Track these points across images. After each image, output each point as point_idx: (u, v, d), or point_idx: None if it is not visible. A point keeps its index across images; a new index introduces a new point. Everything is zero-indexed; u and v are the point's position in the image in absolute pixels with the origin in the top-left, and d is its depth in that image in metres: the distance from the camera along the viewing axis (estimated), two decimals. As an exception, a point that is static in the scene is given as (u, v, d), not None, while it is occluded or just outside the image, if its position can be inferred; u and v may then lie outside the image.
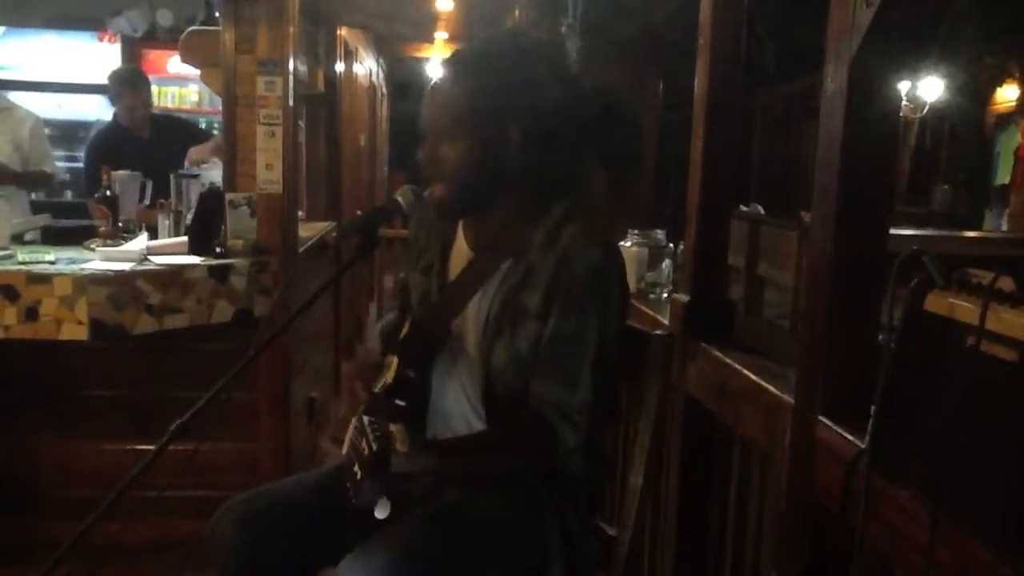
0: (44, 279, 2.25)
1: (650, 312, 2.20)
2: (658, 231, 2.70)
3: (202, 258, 2.57)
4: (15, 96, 4.39)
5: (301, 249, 2.98)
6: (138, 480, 1.22)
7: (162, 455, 1.22)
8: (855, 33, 1.15)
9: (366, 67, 6.49)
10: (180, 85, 5.79)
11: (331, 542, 1.33)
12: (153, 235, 2.75)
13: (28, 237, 2.84)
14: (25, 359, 2.54)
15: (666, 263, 2.55)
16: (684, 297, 1.89)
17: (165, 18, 5.54)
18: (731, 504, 1.74)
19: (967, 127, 7.72)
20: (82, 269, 2.31)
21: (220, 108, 2.86)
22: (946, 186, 7.80)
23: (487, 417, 1.40)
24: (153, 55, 5.63)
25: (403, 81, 9.09)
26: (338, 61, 4.99)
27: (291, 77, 2.74)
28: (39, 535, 2.19)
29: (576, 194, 1.41)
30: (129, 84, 3.70)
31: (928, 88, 7.16)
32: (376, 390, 1.40)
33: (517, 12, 4.43)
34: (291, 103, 2.75)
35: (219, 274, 2.54)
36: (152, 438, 1.24)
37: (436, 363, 1.41)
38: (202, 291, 2.49)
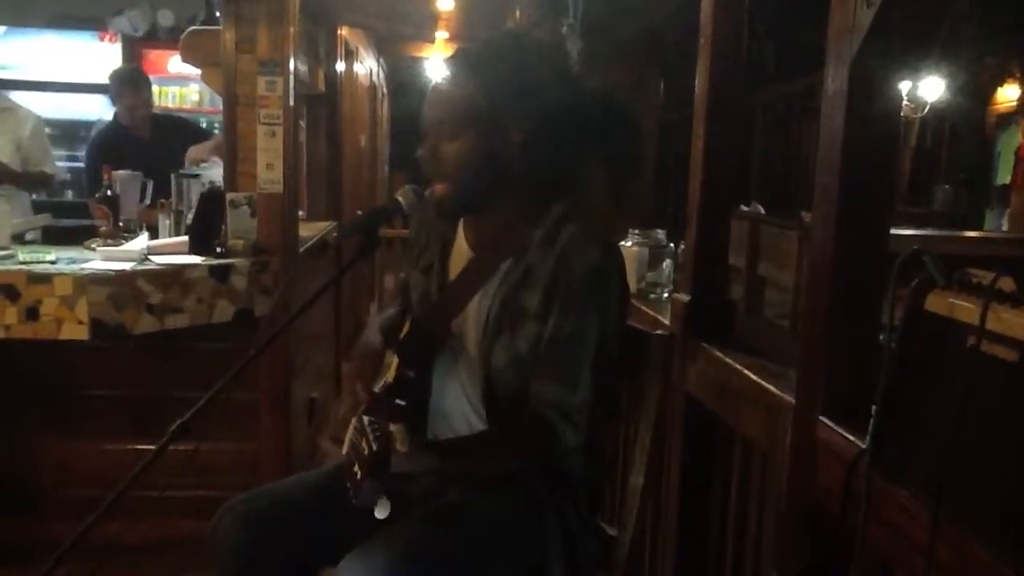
0: (45, 279, 2.25)
1: (651, 312, 2.20)
2: (659, 231, 2.71)
3: (203, 258, 2.57)
4: (16, 96, 4.39)
5: (302, 249, 2.99)
6: (139, 480, 1.21)
7: (163, 455, 1.21)
8: (856, 33, 1.15)
9: (367, 67, 6.49)
10: (181, 85, 5.79)
11: (331, 542, 1.33)
12: (154, 235, 2.75)
13: (29, 237, 2.85)
14: (26, 359, 2.54)
15: (667, 263, 2.55)
16: (685, 297, 1.89)
17: (166, 18, 5.54)
18: (732, 504, 1.74)
19: (968, 127, 7.73)
20: (83, 269, 2.31)
21: (221, 108, 2.86)
22: (947, 186, 7.81)
23: (488, 417, 1.40)
24: (154, 55, 5.64)
25: (404, 81, 9.09)
26: (339, 61, 4.99)
27: (292, 77, 2.74)
28: (39, 535, 2.19)
29: (576, 194, 1.41)
30: (130, 84, 3.70)
31: (929, 88, 7.17)
32: (376, 390, 1.40)
33: (518, 12, 4.43)
34: (292, 103, 2.75)
35: (220, 274, 2.54)
36: (153, 438, 1.23)
37: (436, 363, 1.41)
38: (203, 291, 2.49)
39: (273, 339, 1.44)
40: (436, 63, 6.71)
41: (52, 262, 2.37)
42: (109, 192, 2.81)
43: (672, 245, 2.63)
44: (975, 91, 7.27)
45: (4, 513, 2.52)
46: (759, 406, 1.49)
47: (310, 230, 3.49)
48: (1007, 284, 0.90)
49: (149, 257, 2.50)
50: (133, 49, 5.61)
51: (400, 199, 1.44)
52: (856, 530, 1.08)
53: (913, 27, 1.16)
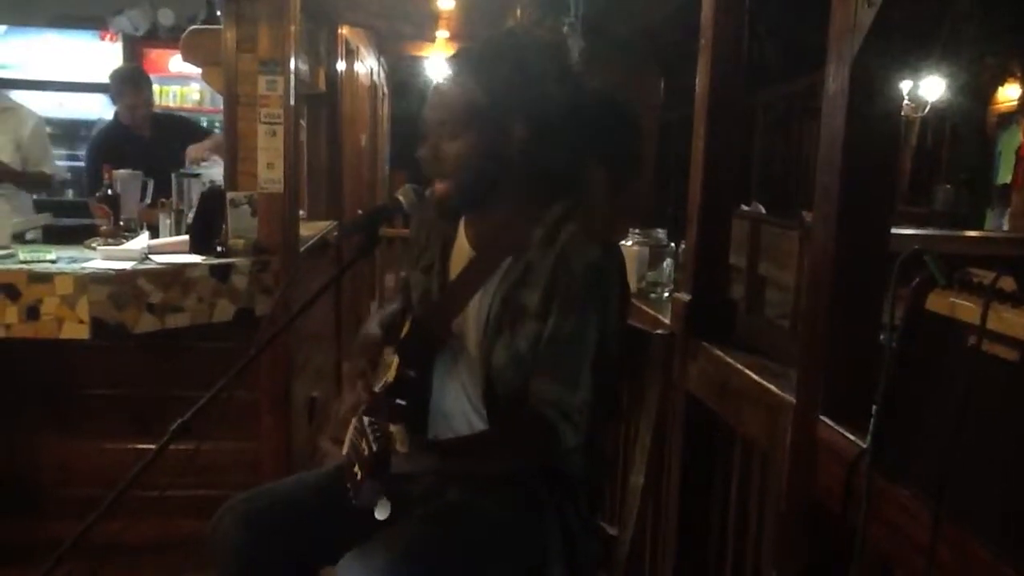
0: (45, 278, 2.25)
1: (651, 311, 2.20)
2: (659, 230, 2.70)
3: (203, 257, 2.56)
4: (17, 95, 4.39)
5: (302, 248, 2.98)
6: (139, 479, 1.21)
7: (163, 454, 1.21)
8: (857, 33, 1.15)
9: (367, 66, 6.49)
10: (181, 84, 5.79)
11: (331, 542, 1.33)
12: (154, 234, 2.75)
13: (29, 236, 2.85)
14: (26, 358, 2.54)
15: (667, 262, 2.55)
16: (685, 296, 1.89)
17: (166, 17, 5.54)
18: (732, 504, 1.74)
19: (969, 127, 7.72)
20: (83, 268, 2.31)
21: (221, 107, 2.86)
22: (948, 186, 7.81)
23: (488, 417, 1.40)
24: (155, 54, 5.64)
25: (404, 80, 9.09)
26: (339, 60, 4.99)
27: (292, 76, 2.74)
28: (40, 534, 2.19)
29: (576, 193, 1.41)
30: (131, 83, 3.70)
31: (930, 88, 7.17)
32: (376, 390, 1.40)
33: (519, 11, 4.43)
34: (292, 102, 2.75)
35: (220, 273, 2.54)
36: (153, 437, 1.23)
37: (437, 362, 1.41)
38: (203, 290, 2.49)
39: (274, 338, 1.44)
40: (436, 62, 6.71)
41: (53, 261, 2.37)
42: (110, 191, 2.81)
43: (673, 244, 2.63)
44: (976, 91, 7.27)
45: (4, 512, 2.52)
46: (760, 405, 1.49)
47: (311, 229, 3.49)
48: (1008, 284, 0.90)
49: (150, 256, 2.50)
50: (134, 48, 5.62)
51: (401, 198, 1.44)
52: (857, 530, 1.08)
53: (914, 27, 1.16)
